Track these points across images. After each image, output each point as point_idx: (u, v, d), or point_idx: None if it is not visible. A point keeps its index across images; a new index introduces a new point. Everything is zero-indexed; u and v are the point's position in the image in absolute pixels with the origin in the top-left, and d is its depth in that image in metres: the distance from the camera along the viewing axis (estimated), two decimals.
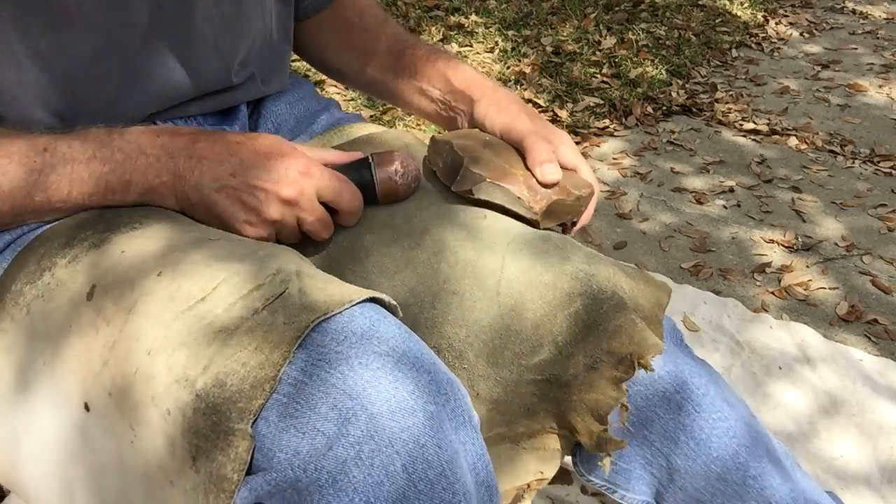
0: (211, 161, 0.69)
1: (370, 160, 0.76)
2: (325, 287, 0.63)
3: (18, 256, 0.71)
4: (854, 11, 3.96)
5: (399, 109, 2.65)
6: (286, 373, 0.58)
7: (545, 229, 0.79)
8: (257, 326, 0.60)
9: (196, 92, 0.81)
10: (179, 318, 0.61)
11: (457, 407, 0.62)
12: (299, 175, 0.70)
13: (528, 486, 0.75)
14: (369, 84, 0.98)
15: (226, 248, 0.67)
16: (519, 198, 0.77)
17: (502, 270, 0.72)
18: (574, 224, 0.82)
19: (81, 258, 0.68)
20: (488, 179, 0.77)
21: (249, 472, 0.58)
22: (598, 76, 3.05)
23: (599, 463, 0.76)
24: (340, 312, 0.61)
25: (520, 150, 0.81)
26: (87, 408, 0.64)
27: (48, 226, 0.72)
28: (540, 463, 0.75)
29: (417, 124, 2.59)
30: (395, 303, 0.65)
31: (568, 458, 0.79)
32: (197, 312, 0.61)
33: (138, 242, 0.68)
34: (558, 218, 0.79)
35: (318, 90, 1.04)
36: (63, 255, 0.68)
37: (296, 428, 0.57)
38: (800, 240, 2.12)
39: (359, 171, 0.76)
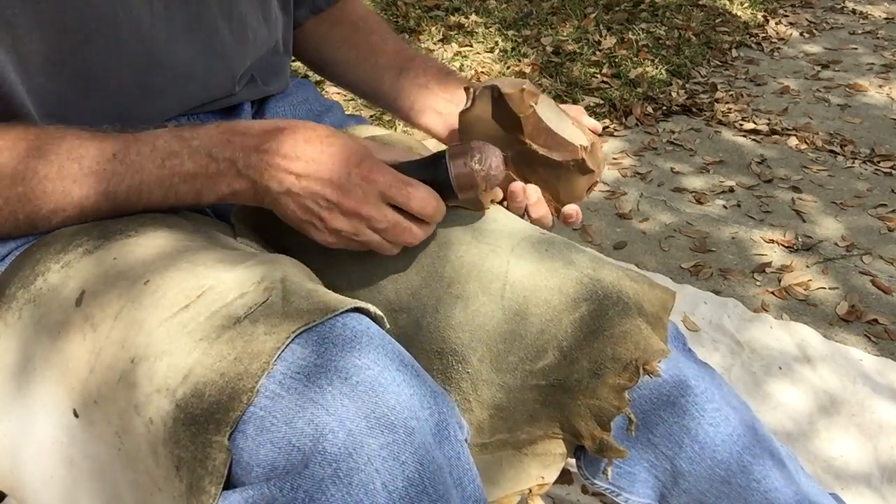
0: (277, 166, 0.67)
1: (445, 155, 0.72)
2: (308, 296, 0.62)
3: (15, 261, 0.71)
4: (854, 11, 3.96)
5: None
6: (264, 385, 0.57)
7: (582, 170, 0.79)
8: (238, 336, 0.59)
9: (202, 101, 0.81)
10: (163, 326, 0.61)
11: (442, 421, 0.61)
12: (361, 181, 0.67)
13: (530, 491, 0.76)
14: (366, 78, 0.97)
15: (215, 256, 0.67)
16: (573, 123, 0.78)
17: (507, 274, 0.72)
18: (591, 188, 0.83)
19: (74, 264, 0.68)
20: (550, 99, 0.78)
21: (229, 484, 0.58)
22: (598, 76, 3.05)
23: (602, 473, 0.76)
24: (322, 323, 0.60)
25: None
26: (75, 414, 0.64)
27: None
28: (542, 468, 0.75)
29: None
30: (380, 313, 0.64)
31: (569, 459, 0.79)
32: (180, 320, 0.61)
33: (130, 250, 0.67)
34: (594, 162, 0.79)
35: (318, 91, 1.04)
36: (57, 260, 0.68)
37: (272, 443, 0.56)
38: (800, 240, 2.12)
39: (434, 168, 0.72)
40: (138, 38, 0.73)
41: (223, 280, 0.63)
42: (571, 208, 0.81)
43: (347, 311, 0.62)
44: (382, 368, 0.59)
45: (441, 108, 0.90)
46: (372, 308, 0.64)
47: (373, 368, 0.58)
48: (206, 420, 0.57)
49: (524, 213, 0.82)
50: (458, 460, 0.61)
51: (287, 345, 0.58)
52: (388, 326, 0.66)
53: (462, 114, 0.80)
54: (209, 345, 0.59)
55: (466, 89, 0.79)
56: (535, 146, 0.78)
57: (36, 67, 0.69)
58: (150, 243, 0.68)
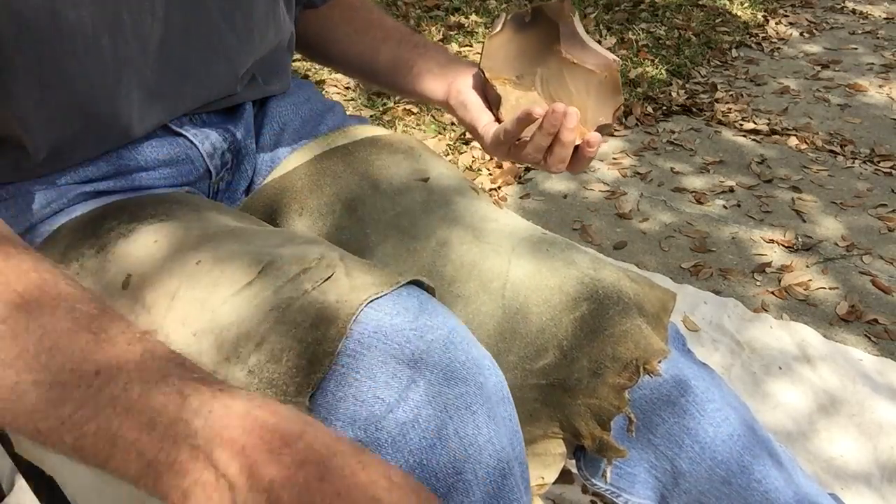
0: None
1: None
2: (370, 270, 0.64)
3: (40, 248, 0.71)
4: (854, 11, 3.96)
5: (398, 109, 2.66)
6: (344, 345, 0.59)
7: (614, 85, 0.78)
8: (309, 305, 0.60)
9: (204, 101, 0.81)
10: (227, 303, 0.62)
11: (497, 382, 0.63)
12: None
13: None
14: (365, 50, 0.96)
15: (261, 237, 0.68)
16: (600, 45, 0.81)
17: (508, 273, 0.73)
18: (616, 112, 0.81)
19: (111, 248, 0.68)
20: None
21: None
22: None
23: (602, 475, 0.76)
24: (390, 292, 0.62)
25: None
26: None
27: (67, 218, 0.72)
28: (542, 468, 0.75)
29: (417, 125, 2.59)
30: (433, 285, 0.67)
31: (569, 459, 0.79)
32: (245, 296, 0.62)
33: (170, 232, 0.68)
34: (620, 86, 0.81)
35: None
36: (90, 245, 0.68)
37: (354, 396, 0.58)
38: (800, 240, 2.12)
39: None
40: (142, 41, 0.73)
41: (282, 256, 0.64)
42: (595, 136, 0.77)
43: (407, 283, 0.64)
44: (451, 329, 0.62)
45: (440, 71, 0.89)
46: (426, 280, 0.66)
47: (442, 329, 0.61)
48: (286, 384, 0.58)
49: (554, 139, 0.77)
50: (510, 421, 0.64)
51: (361, 310, 0.60)
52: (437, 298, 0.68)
53: (490, 38, 0.80)
54: (280, 314, 0.60)
55: (498, 16, 0.81)
56: (570, 56, 0.78)
57: (38, 80, 0.68)
58: (188, 225, 0.69)
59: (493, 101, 0.81)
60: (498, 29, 0.80)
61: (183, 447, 0.44)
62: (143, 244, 0.67)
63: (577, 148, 0.77)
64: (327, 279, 0.62)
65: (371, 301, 0.61)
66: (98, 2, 0.67)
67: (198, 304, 0.62)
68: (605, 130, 0.79)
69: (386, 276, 0.63)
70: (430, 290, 0.66)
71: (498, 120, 0.81)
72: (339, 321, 0.59)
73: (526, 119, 0.74)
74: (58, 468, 0.71)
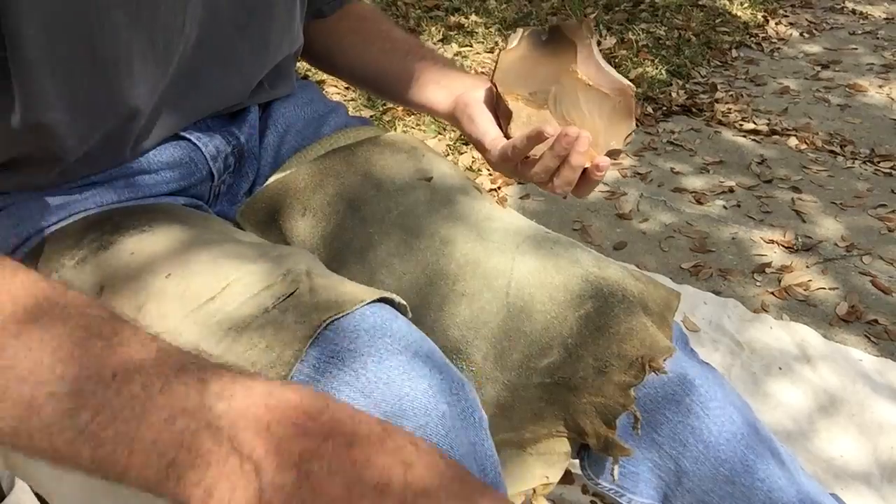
0: None
1: None
2: (336, 287, 0.63)
3: (24, 258, 0.71)
4: (854, 11, 3.96)
5: (398, 109, 2.65)
6: (298, 370, 0.58)
7: (627, 109, 0.77)
8: (268, 324, 0.59)
9: (214, 110, 0.81)
10: (189, 317, 0.61)
11: (467, 407, 0.62)
12: None
13: (534, 490, 0.76)
14: (371, 60, 0.95)
15: (235, 250, 0.67)
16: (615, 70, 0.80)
17: (512, 272, 0.73)
18: (628, 138, 0.79)
19: (90, 259, 0.68)
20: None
21: None
22: None
23: (610, 473, 0.76)
24: (352, 311, 0.60)
25: None
26: None
27: (55, 226, 0.72)
28: (546, 467, 0.75)
29: (417, 125, 2.59)
30: (404, 303, 0.65)
31: (571, 459, 0.79)
32: (207, 311, 0.61)
33: (148, 244, 0.68)
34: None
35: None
36: (71, 256, 0.68)
37: None
38: (800, 240, 2.12)
39: None
40: (167, 61, 0.72)
41: (248, 272, 0.64)
42: (604, 161, 0.75)
43: (374, 300, 0.62)
44: (413, 354, 0.60)
45: (447, 83, 0.88)
46: (396, 298, 0.64)
47: (404, 353, 0.59)
48: None
49: (563, 161, 0.75)
50: (481, 446, 0.62)
51: (319, 332, 0.59)
52: (411, 315, 0.67)
53: (505, 53, 0.79)
54: (238, 334, 0.59)
55: (514, 30, 0.80)
56: (586, 77, 0.78)
57: (68, 104, 0.67)
58: (166, 237, 0.68)
59: (503, 116, 0.80)
60: (513, 44, 0.80)
61: (205, 436, 0.42)
62: (120, 256, 0.67)
63: (584, 171, 0.76)
64: (289, 296, 0.61)
65: (331, 322, 0.59)
66: (133, 27, 0.66)
67: (161, 319, 0.62)
68: (614, 155, 0.78)
69: (350, 295, 0.62)
70: (401, 308, 0.64)
71: (507, 135, 0.80)
72: (295, 343, 0.58)
73: (536, 137, 0.73)
74: (45, 484, 0.70)
